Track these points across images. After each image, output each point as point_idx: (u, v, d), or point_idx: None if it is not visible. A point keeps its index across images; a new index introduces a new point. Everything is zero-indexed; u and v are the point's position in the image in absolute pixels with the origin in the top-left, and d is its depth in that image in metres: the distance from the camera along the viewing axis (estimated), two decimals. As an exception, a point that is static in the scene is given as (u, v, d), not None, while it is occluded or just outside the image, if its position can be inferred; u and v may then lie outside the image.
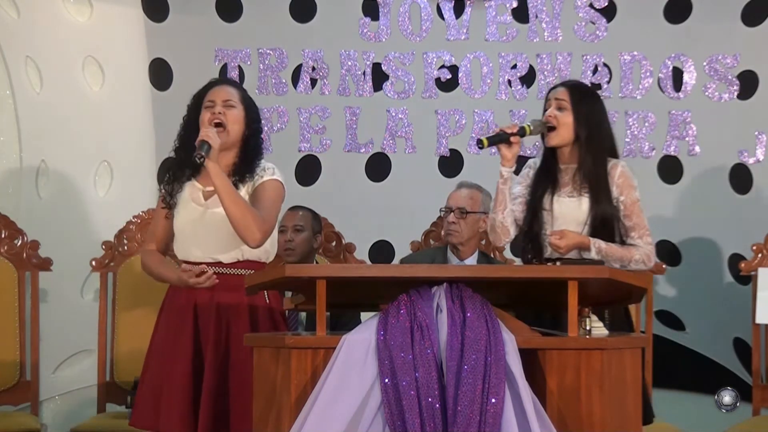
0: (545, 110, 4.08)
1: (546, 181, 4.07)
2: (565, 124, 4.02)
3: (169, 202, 4.13)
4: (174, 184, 4.13)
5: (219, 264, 4.06)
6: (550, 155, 4.10)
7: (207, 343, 4.02)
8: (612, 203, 3.99)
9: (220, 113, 4.06)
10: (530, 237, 4.06)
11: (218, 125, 4.04)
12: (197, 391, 3.98)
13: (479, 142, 3.99)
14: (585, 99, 4.07)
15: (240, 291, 4.01)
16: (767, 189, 6.03)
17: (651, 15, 6.11)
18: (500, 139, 4.00)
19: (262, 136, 4.19)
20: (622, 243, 4.02)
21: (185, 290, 4.06)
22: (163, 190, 4.16)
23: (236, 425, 3.96)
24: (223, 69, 6.21)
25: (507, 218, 4.07)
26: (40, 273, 5.50)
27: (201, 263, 4.05)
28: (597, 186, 3.99)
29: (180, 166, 4.14)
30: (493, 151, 4.16)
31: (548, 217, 4.03)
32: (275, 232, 4.14)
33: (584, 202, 3.99)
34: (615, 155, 4.08)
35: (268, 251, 4.13)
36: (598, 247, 3.93)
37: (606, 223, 3.98)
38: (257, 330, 4.02)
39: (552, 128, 4.05)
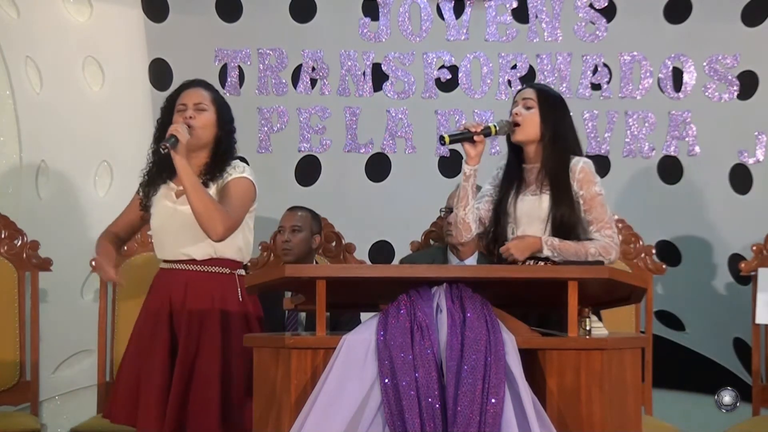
0: (512, 111, 4.09)
1: (512, 181, 4.08)
2: (532, 122, 4.03)
3: (145, 204, 4.19)
4: (150, 186, 4.18)
5: (192, 261, 4.11)
6: (515, 156, 4.11)
7: (179, 340, 4.07)
8: (573, 200, 3.98)
9: (191, 117, 4.10)
10: (494, 237, 4.08)
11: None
12: None
13: (441, 139, 3.99)
14: (551, 101, 4.08)
15: (213, 288, 4.08)
16: (767, 189, 6.03)
17: (651, 15, 6.11)
18: (464, 137, 4.00)
19: (235, 136, 4.23)
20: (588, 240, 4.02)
21: (162, 287, 4.13)
22: (141, 193, 4.21)
23: (194, 424, 3.99)
24: (223, 69, 6.20)
25: (468, 215, 4.07)
26: (40, 273, 5.50)
27: (175, 260, 4.12)
28: (557, 183, 3.98)
29: (157, 168, 4.17)
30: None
31: (511, 217, 4.04)
32: (251, 235, 4.20)
33: (544, 200, 3.99)
34: (579, 155, 4.08)
35: (241, 249, 4.17)
36: (551, 245, 3.93)
37: (566, 220, 3.97)
38: (228, 327, 4.06)
39: (518, 126, 4.05)
